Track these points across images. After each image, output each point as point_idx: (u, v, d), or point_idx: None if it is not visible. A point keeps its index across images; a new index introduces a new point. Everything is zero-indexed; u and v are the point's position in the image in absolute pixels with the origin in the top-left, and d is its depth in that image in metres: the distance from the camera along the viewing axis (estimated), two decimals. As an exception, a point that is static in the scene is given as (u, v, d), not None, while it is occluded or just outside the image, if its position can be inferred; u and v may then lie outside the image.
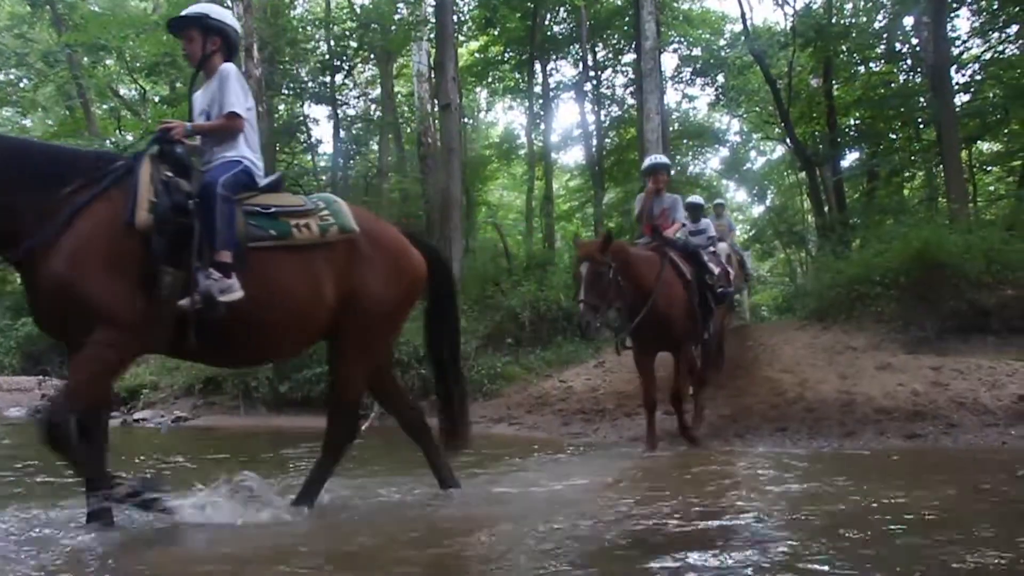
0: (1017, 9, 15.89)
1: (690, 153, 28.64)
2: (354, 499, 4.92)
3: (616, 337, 7.74)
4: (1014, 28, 16.75)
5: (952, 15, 17.11)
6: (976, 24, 17.63)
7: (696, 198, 12.21)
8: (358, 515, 4.54)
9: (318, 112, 23.01)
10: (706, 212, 12.55)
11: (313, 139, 23.35)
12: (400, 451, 6.28)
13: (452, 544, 3.73)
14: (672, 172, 8.52)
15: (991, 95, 17.41)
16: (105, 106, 25.71)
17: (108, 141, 20.32)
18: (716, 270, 8.36)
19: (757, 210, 31.60)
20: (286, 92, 21.73)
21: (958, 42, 17.61)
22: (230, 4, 19.31)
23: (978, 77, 17.74)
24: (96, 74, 23.06)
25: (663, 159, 8.37)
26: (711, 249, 10.21)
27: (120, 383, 14.39)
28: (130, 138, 22.38)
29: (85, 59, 22.08)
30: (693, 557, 3.28)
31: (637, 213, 8.45)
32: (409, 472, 5.63)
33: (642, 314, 7.06)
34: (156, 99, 25.71)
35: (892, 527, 3.84)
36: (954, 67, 16.85)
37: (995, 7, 16.71)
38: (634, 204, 8.89)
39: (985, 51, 17.69)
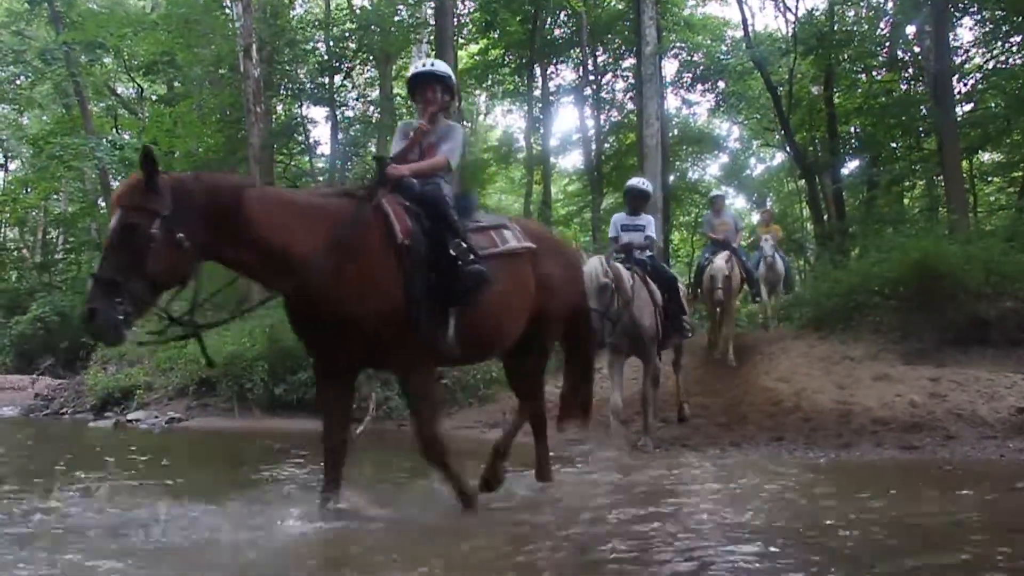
0: (1020, 19, 15.82)
1: (689, 159, 28.57)
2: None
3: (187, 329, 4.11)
4: (1017, 38, 16.68)
5: (955, 24, 17.06)
6: (979, 34, 17.57)
7: (641, 181, 9.21)
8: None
9: (316, 113, 22.92)
10: (648, 212, 9.05)
11: (311, 140, 23.27)
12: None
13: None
14: (453, 88, 5.44)
15: (993, 105, 17.35)
16: (102, 104, 25.67)
17: (104, 139, 20.21)
18: (509, 240, 4.94)
19: (755, 217, 31.54)
20: (284, 93, 21.66)
21: (960, 51, 17.55)
22: (229, 4, 19.33)
23: (980, 87, 17.67)
24: (93, 72, 23.02)
25: (439, 67, 5.31)
26: (648, 254, 8.60)
27: (115, 383, 14.36)
28: (127, 137, 22.34)
29: (83, 57, 22.03)
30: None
31: (393, 151, 5.12)
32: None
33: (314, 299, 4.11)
34: (153, 98, 25.70)
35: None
36: (956, 77, 16.78)
37: (998, 17, 16.64)
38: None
39: (987, 61, 17.63)
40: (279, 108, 22.54)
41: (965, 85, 17.61)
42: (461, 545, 3.84)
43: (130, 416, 13.23)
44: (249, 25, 17.46)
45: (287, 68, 20.98)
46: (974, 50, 17.79)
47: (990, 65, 17.49)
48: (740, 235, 12.43)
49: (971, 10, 16.81)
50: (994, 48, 17.26)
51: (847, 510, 4.57)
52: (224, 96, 20.97)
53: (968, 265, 10.06)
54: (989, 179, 20.48)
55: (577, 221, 26.99)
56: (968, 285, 9.89)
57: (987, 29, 17.15)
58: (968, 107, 17.70)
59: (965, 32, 17.88)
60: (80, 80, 21.85)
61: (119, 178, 23.95)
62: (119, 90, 26.64)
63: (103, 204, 25.47)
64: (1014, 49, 16.97)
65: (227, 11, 19.89)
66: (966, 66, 17.69)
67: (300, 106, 22.72)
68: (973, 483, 5.60)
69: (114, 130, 24.44)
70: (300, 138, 22.79)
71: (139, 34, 20.63)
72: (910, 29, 18.11)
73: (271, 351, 12.50)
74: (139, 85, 25.71)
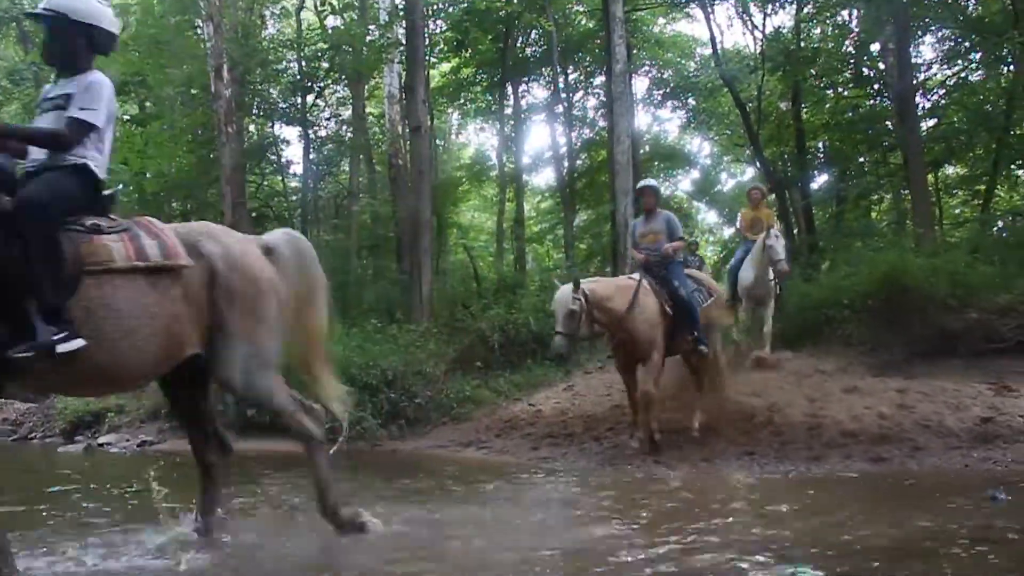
0: (978, 38, 16.15)
1: (661, 175, 28.80)
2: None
3: None
4: (976, 56, 17.02)
5: (917, 42, 17.38)
6: (939, 52, 17.91)
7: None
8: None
9: (289, 133, 22.76)
10: None
11: (284, 160, 23.20)
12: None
13: None
14: None
15: (955, 120, 17.66)
16: (72, 125, 25.44)
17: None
18: None
19: (728, 231, 31.77)
20: (256, 113, 21.58)
21: (923, 68, 17.87)
22: (201, 24, 19.29)
23: (943, 103, 17.98)
24: (63, 93, 22.82)
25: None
26: None
27: (85, 407, 14.18)
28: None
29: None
30: None
31: None
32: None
33: None
34: (125, 118, 25.52)
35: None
36: (919, 92, 17.08)
37: (958, 35, 16.98)
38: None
39: (949, 78, 17.95)
40: (251, 128, 22.46)
41: (928, 101, 17.94)
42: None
43: (101, 440, 13.08)
44: (220, 46, 17.41)
45: (259, 88, 20.91)
46: (936, 67, 18.13)
47: (952, 81, 17.82)
48: (679, 247, 9.32)
49: (932, 28, 17.12)
50: (955, 65, 17.60)
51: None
52: (196, 116, 20.85)
53: (934, 278, 10.25)
54: (954, 192, 20.79)
55: (550, 238, 27.08)
56: (934, 297, 10.08)
57: (947, 47, 17.49)
58: (932, 122, 18.00)
59: (927, 49, 18.24)
60: (49, 101, 21.69)
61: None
62: (89, 111, 26.43)
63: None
64: (973, 66, 17.33)
65: (198, 32, 19.83)
66: (929, 82, 18.00)
67: (272, 126, 22.67)
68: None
69: (84, 151, 24.22)
70: (272, 157, 22.72)
71: (110, 55, 20.51)
72: (875, 46, 18.44)
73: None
74: (109, 106, 25.54)
